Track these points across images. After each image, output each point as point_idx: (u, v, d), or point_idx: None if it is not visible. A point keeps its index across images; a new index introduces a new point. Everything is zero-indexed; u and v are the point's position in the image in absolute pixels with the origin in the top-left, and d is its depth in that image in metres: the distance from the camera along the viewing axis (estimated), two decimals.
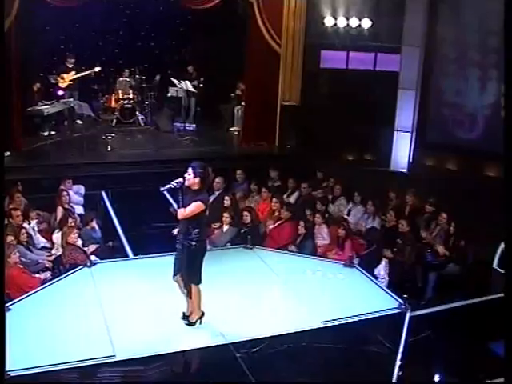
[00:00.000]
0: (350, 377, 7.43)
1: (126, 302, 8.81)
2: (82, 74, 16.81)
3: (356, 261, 10.76)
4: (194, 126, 17.48)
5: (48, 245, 11.05)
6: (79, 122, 17.13)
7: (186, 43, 19.23)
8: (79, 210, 12.38)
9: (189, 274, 7.98)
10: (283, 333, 8.12)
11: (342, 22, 15.55)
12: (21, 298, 8.74)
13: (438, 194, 12.10)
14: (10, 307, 8.39)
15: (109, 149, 15.09)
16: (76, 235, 10.21)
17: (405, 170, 15.37)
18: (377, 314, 8.71)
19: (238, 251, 10.72)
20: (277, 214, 11.74)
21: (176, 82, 16.94)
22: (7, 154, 14.04)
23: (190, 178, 7.80)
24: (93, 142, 15.64)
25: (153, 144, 16.05)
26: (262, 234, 11.56)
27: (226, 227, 11.35)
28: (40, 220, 11.85)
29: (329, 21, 15.60)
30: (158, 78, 18.53)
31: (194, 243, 7.84)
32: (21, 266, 9.43)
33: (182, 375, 7.37)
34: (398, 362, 7.55)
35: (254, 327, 8.25)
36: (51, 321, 8.30)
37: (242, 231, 11.17)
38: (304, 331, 8.21)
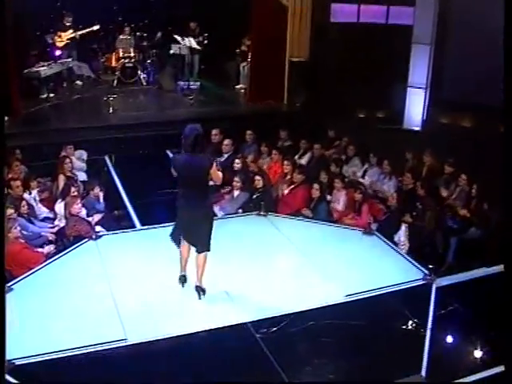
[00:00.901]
0: (377, 355, 6.94)
1: (135, 278, 8.30)
2: (81, 32, 16.17)
3: (374, 226, 10.23)
4: (199, 84, 16.78)
5: (51, 215, 10.51)
6: (79, 82, 16.57)
7: None
8: (82, 176, 11.86)
9: (206, 241, 7.68)
10: (304, 309, 7.63)
11: None
12: (23, 276, 8.23)
13: (456, 153, 11.49)
14: (13, 287, 7.88)
15: (111, 111, 14.48)
16: (79, 205, 9.68)
17: (418, 128, 14.74)
18: (402, 286, 8.17)
19: (251, 219, 10.14)
20: (289, 177, 11.17)
21: (179, 38, 16.23)
22: (5, 118, 13.50)
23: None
24: (94, 104, 15.11)
25: (156, 104, 15.51)
26: (275, 199, 10.99)
27: (236, 192, 10.79)
28: (41, 189, 11.33)
29: None
30: (159, 34, 17.77)
31: (210, 209, 7.89)
32: (22, 241, 8.89)
33: (197, 358, 6.84)
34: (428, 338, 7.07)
35: (272, 303, 7.75)
36: (57, 301, 7.81)
37: (254, 196, 10.61)
38: (326, 307, 7.71)
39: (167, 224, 9.19)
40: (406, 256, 9.10)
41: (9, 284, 7.88)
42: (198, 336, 7.15)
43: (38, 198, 10.74)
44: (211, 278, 7.96)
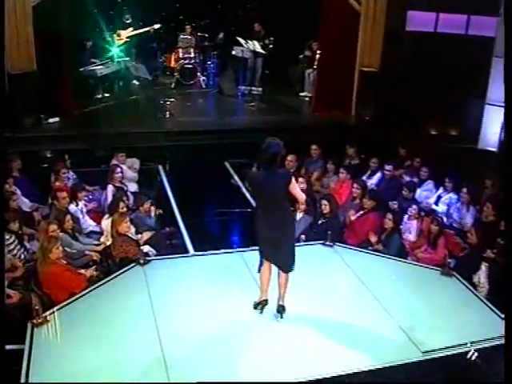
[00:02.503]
0: None
1: (185, 313, 7.41)
2: (140, 30, 15.53)
3: (450, 262, 9.17)
4: (261, 90, 15.92)
5: (97, 229, 9.80)
6: (136, 82, 15.81)
7: None
8: (133, 187, 11.13)
9: (291, 260, 7.29)
10: (376, 367, 6.62)
11: None
12: (61, 305, 7.40)
13: None
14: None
15: (167, 115, 13.67)
16: (128, 223, 8.83)
17: (495, 149, 13.54)
18: (486, 344, 7.10)
19: (317, 249, 9.10)
20: (358, 201, 10.20)
21: (242, 41, 15.30)
22: (56, 119, 12.89)
23: None
24: (149, 107, 14.28)
25: (215, 110, 14.71)
26: (341, 224, 10.03)
27: (299, 215, 9.86)
28: (89, 198, 10.62)
29: None
30: (221, 35, 16.92)
31: (293, 226, 7.44)
32: (64, 262, 8.08)
33: None
34: None
35: (338, 358, 6.76)
36: (96, 334, 7.01)
37: (320, 222, 9.65)
38: (401, 365, 6.68)
39: (224, 251, 8.37)
40: (490, 305, 7.96)
41: (47, 312, 7.14)
42: None
43: (84, 210, 10.01)
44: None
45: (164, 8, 16.74)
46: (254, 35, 15.61)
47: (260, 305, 7.49)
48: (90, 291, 7.76)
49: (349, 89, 14.42)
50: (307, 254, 8.57)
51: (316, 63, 15.44)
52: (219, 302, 7.61)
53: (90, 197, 10.80)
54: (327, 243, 9.13)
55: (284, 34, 16.00)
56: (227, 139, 12.54)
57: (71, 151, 11.72)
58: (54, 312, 7.25)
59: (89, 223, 9.93)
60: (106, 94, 14.80)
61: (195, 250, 8.96)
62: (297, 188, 7.17)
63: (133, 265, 8.31)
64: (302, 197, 7.29)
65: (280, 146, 6.91)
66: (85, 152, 12.12)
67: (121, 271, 8.16)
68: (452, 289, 8.32)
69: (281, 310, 7.40)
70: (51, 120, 12.95)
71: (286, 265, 7.25)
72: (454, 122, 14.20)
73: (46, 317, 7.10)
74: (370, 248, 9.38)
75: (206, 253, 8.86)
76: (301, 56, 16.49)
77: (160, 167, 11.96)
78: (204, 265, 8.53)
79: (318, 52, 15.22)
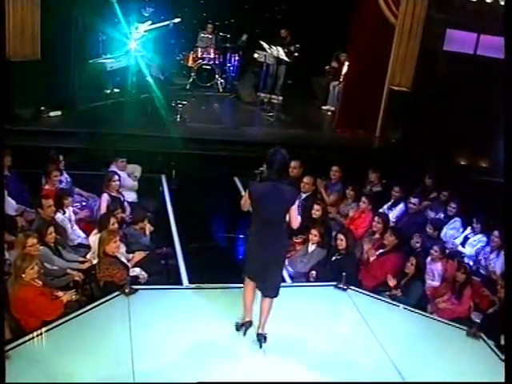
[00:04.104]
0: None
1: (166, 355, 6.41)
2: (160, 24, 14.42)
3: (476, 316, 8.12)
4: (281, 99, 14.93)
5: (86, 241, 8.80)
6: (149, 79, 14.74)
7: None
8: (131, 197, 10.17)
9: (277, 285, 6.81)
10: None
11: None
12: (29, 337, 6.43)
13: None
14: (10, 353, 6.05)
15: (177, 119, 12.65)
16: (117, 243, 7.77)
17: None
18: None
19: (328, 292, 8.02)
20: (377, 236, 9.17)
21: (266, 46, 14.25)
22: (58, 113, 11.94)
23: None
24: (160, 108, 13.20)
25: (231, 118, 13.73)
26: (357, 261, 9.01)
27: (311, 247, 8.91)
28: (82, 205, 9.67)
29: None
30: (244, 37, 15.87)
31: (285, 249, 7.10)
32: (39, 283, 7.06)
33: None
34: None
35: None
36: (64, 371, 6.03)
37: (334, 258, 8.63)
38: None
39: (222, 285, 7.44)
40: None
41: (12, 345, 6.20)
42: None
43: (73, 218, 9.03)
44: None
45: (187, 3, 15.85)
46: (280, 41, 14.62)
47: (243, 326, 6.99)
48: (65, 322, 6.76)
49: (375, 107, 13.36)
50: (317, 296, 7.73)
51: (343, 76, 14.47)
52: (206, 347, 6.66)
53: (84, 203, 9.88)
54: (340, 286, 8.07)
55: (311, 42, 15.09)
56: (239, 152, 11.54)
57: (70, 150, 10.87)
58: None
59: (78, 234, 9.01)
60: (116, 90, 13.86)
61: (190, 281, 7.89)
62: (296, 211, 6.70)
63: (117, 293, 7.28)
64: (296, 223, 6.72)
65: (287, 158, 6.61)
66: (86, 152, 11.18)
67: (102, 300, 7.15)
68: (478, 354, 7.27)
69: (261, 338, 6.86)
70: (52, 113, 12.07)
71: (272, 289, 6.76)
72: (486, 153, 13.27)
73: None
74: (388, 294, 8.37)
75: (202, 286, 7.80)
76: (327, 67, 15.52)
77: (163, 177, 10.92)
78: (198, 301, 7.48)
79: (346, 64, 14.22)
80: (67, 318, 6.83)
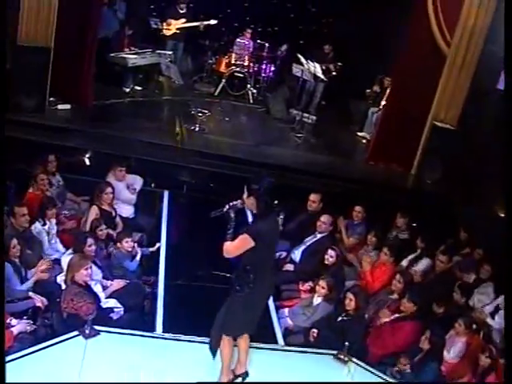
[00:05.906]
0: None
1: None
2: (194, 23, 13.58)
3: None
4: (314, 118, 13.76)
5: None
6: (177, 82, 13.73)
7: (329, 13, 15.36)
8: (127, 211, 9.10)
9: (224, 321, 5.95)
10: None
11: None
12: None
13: None
14: None
15: (196, 128, 11.54)
16: (88, 271, 6.69)
17: None
18: None
19: (326, 362, 6.78)
20: (396, 296, 7.93)
21: (303, 60, 13.11)
22: (67, 106, 10.96)
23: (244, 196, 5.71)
24: (180, 112, 12.15)
25: (254, 133, 12.49)
26: (367, 321, 7.82)
27: (317, 299, 7.78)
28: (71, 212, 8.65)
29: None
30: (284, 48, 14.87)
31: (241, 289, 5.72)
32: None
33: None
34: None
35: None
36: None
37: (339, 319, 7.41)
38: None
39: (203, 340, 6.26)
40: None
41: None
42: None
43: (54, 231, 7.97)
44: None
45: (228, 4, 14.95)
46: (321, 56, 13.53)
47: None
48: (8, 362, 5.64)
49: (415, 142, 12.05)
50: (312, 367, 6.62)
51: (384, 102, 13.21)
52: None
53: (73, 212, 8.84)
54: (341, 357, 6.84)
55: (353, 62, 13.94)
56: (255, 173, 10.32)
57: (74, 149, 10.05)
58: None
59: (56, 248, 7.98)
60: (138, 88, 12.90)
61: (164, 330, 6.70)
62: (235, 243, 5.75)
63: (75, 334, 6.16)
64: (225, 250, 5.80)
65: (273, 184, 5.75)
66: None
67: (56, 340, 6.02)
68: None
69: (245, 376, 6.27)
70: (61, 106, 11.07)
71: (220, 327, 6.01)
72: None
73: None
74: (396, 369, 7.10)
75: (178, 337, 6.62)
76: (368, 90, 14.28)
77: (166, 193, 9.79)
78: (171, 355, 6.33)
79: (389, 90, 12.99)
80: (9, 357, 5.69)
